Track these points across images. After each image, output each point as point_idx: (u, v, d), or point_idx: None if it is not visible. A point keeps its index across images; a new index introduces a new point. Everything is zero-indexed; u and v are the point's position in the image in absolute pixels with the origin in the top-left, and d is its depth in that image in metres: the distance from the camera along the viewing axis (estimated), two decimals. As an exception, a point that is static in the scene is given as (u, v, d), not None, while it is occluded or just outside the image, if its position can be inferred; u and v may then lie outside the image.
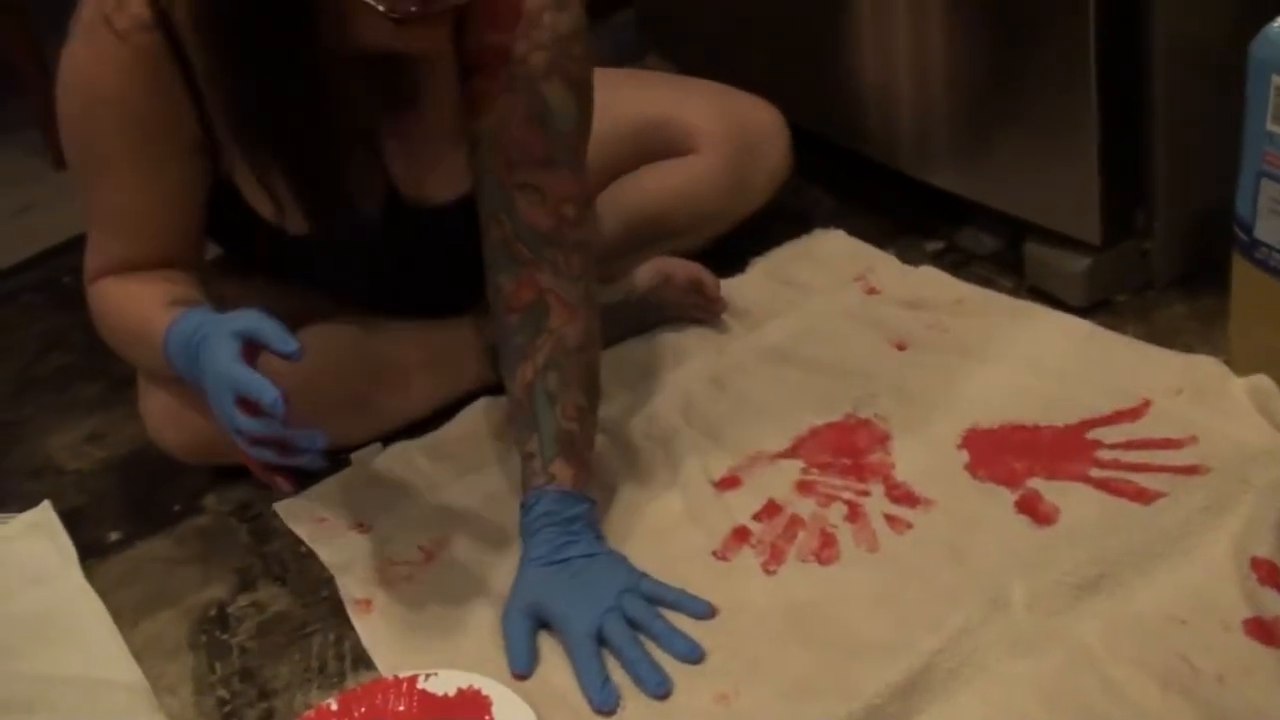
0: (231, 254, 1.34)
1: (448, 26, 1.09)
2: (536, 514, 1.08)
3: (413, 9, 0.99)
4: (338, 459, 1.28)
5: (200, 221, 1.21)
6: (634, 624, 1.02)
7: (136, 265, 1.19)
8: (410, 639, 1.08)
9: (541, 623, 1.05)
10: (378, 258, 1.27)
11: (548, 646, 1.04)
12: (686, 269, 1.38)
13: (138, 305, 1.16)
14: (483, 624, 1.07)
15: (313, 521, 1.23)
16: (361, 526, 1.21)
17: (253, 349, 1.01)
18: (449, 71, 1.17)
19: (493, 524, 1.18)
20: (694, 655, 1.00)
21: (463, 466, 1.26)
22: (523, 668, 1.02)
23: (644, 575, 1.06)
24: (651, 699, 0.97)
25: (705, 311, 1.39)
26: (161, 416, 1.27)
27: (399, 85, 1.17)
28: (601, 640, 1.01)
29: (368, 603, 1.12)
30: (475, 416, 1.32)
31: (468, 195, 1.21)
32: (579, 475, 1.10)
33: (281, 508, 1.25)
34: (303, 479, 1.18)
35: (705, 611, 1.04)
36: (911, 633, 0.96)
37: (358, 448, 1.30)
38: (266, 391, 0.96)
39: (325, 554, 1.19)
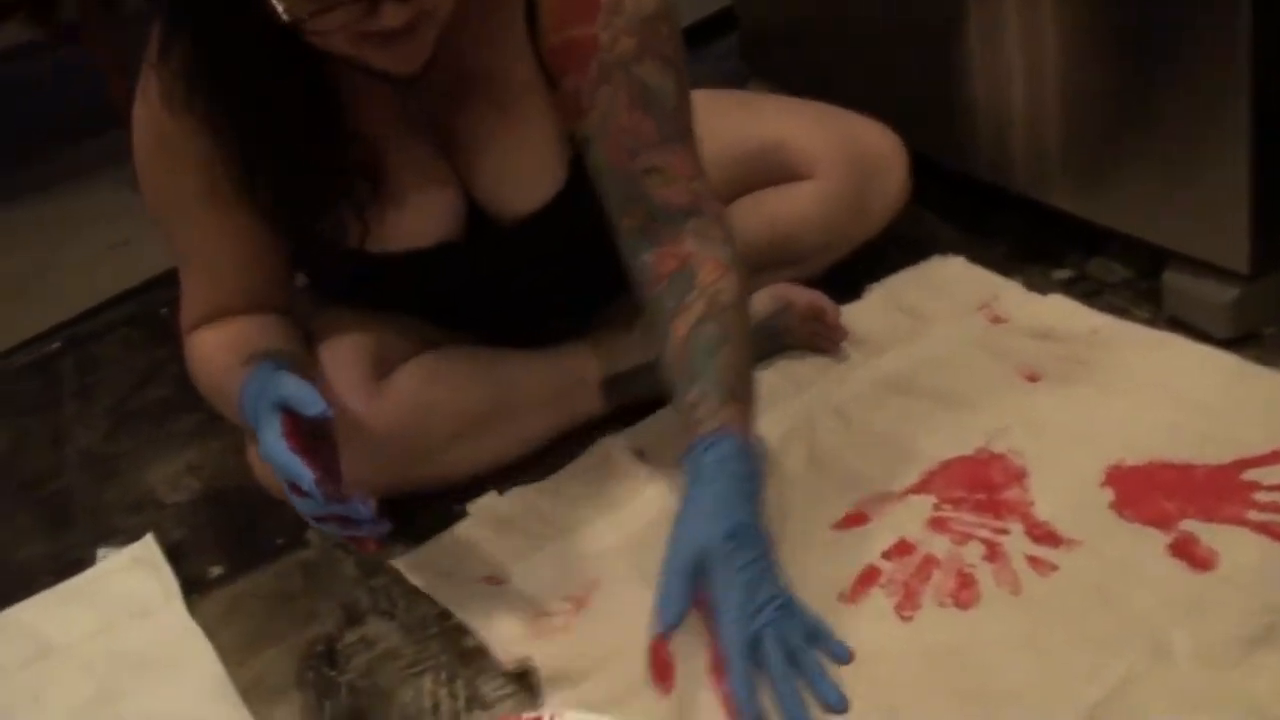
0: (327, 290, 1.32)
1: (413, 45, 1.01)
2: (709, 461, 0.99)
3: (305, 16, 0.95)
4: (451, 510, 1.24)
5: (284, 261, 1.21)
6: (788, 651, 0.94)
7: (225, 311, 1.19)
8: (567, 691, 1.02)
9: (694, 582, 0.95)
10: (465, 278, 1.24)
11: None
12: (806, 296, 1.33)
13: (221, 359, 1.16)
14: (635, 667, 1.00)
15: (439, 576, 1.18)
16: (494, 579, 1.16)
17: (296, 416, 1.01)
18: (510, 79, 1.14)
19: (640, 564, 1.11)
20: (841, 706, 0.93)
21: (593, 508, 1.20)
22: (674, 620, 0.94)
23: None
24: None
25: (825, 340, 1.34)
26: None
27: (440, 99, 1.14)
28: (753, 648, 0.93)
29: (525, 658, 1.05)
30: (597, 456, 1.27)
31: (549, 204, 1.18)
32: (747, 427, 1.02)
33: (403, 563, 1.20)
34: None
35: (845, 656, 0.98)
36: (1065, 683, 0.90)
37: (469, 486, 1.26)
38: (303, 477, 0.98)
39: (463, 611, 1.13)
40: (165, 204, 1.18)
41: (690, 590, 0.95)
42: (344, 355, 1.23)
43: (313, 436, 1.03)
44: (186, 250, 1.20)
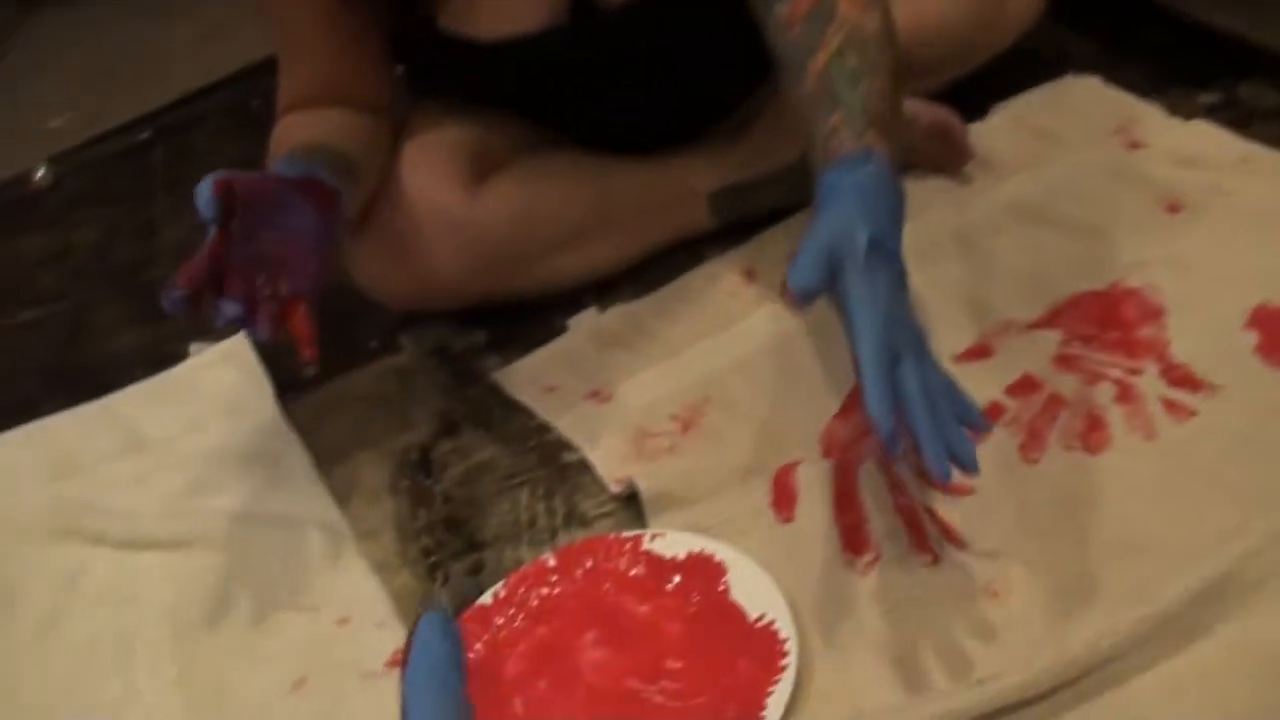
0: (426, 85, 1.27)
1: None
2: (851, 180, 0.85)
3: None
4: (552, 325, 1.21)
5: (379, 54, 1.16)
6: (926, 389, 0.80)
7: (311, 101, 1.15)
8: (674, 511, 0.99)
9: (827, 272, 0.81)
10: (569, 67, 1.18)
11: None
12: (932, 112, 1.25)
13: (275, 150, 1.11)
14: (747, 493, 0.98)
15: (541, 390, 1.15)
16: (598, 395, 1.13)
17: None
18: None
19: (748, 389, 1.08)
20: (974, 466, 0.79)
21: (700, 328, 1.16)
22: (808, 285, 0.80)
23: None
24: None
25: (949, 160, 1.26)
26: (372, 259, 1.20)
27: None
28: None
29: (628, 478, 1.03)
30: (704, 275, 1.23)
31: None
32: (896, 159, 0.89)
33: (502, 376, 1.17)
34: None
35: (982, 424, 0.83)
36: (1204, 535, 0.85)
37: (568, 300, 1.22)
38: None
39: (566, 426, 1.10)
40: None
41: (827, 274, 0.81)
42: (441, 153, 1.19)
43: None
44: (282, 35, 1.16)
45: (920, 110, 1.25)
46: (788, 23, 0.97)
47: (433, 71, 1.24)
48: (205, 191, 0.90)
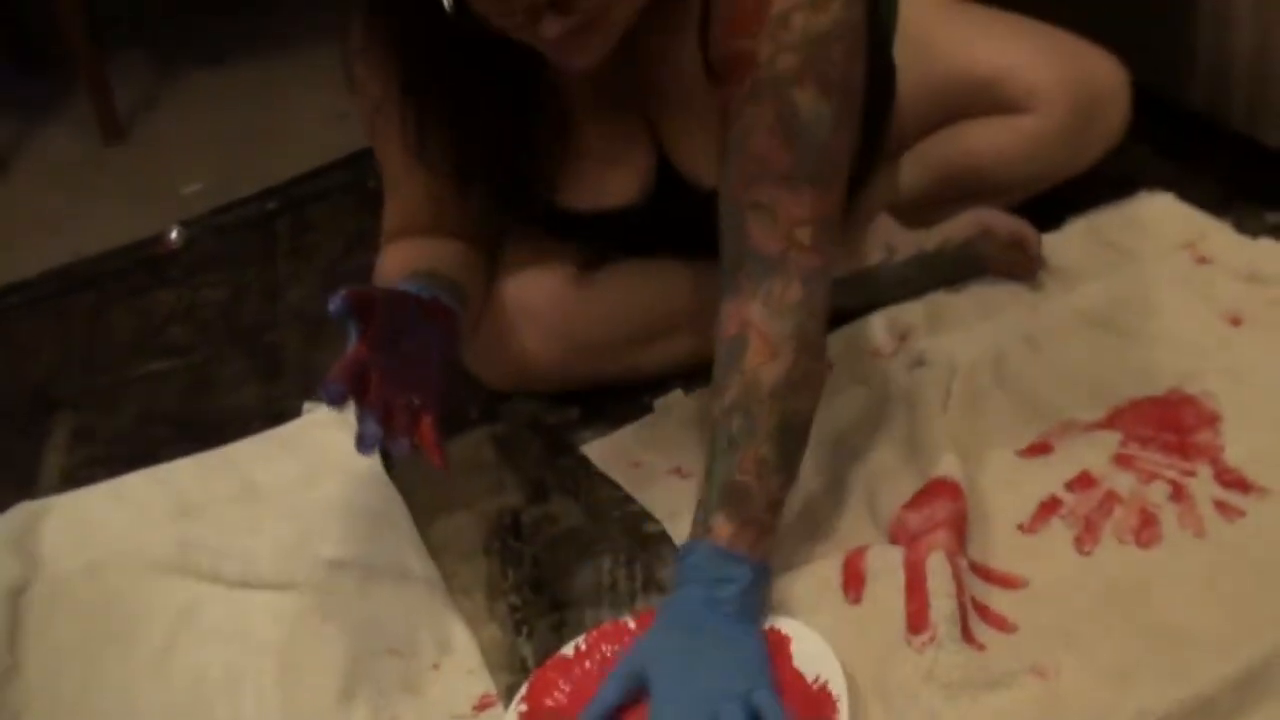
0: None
1: (582, 49, 1.00)
2: (685, 567, 0.97)
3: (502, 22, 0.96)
4: (640, 403, 1.28)
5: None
6: None
7: (421, 227, 1.22)
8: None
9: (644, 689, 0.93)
10: (653, 240, 1.26)
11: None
12: (1009, 224, 1.32)
13: (387, 273, 1.19)
14: (818, 573, 1.04)
15: (627, 464, 1.22)
16: (680, 471, 1.20)
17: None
18: (684, 59, 1.11)
19: (822, 472, 1.15)
20: None
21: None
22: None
23: (764, 683, 0.91)
24: None
25: (1022, 269, 1.33)
26: (476, 351, 1.29)
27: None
28: None
29: None
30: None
31: None
32: (741, 534, 0.96)
33: (591, 450, 1.25)
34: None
35: None
36: (1249, 625, 0.91)
37: (657, 382, 1.30)
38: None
39: (648, 499, 1.17)
40: (366, 124, 1.21)
41: (616, 703, 0.93)
42: (541, 254, 1.27)
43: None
44: (388, 170, 1.24)
45: (997, 222, 1.32)
46: (720, 333, 1.03)
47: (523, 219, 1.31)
48: (337, 302, 0.96)
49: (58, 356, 1.61)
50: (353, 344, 0.97)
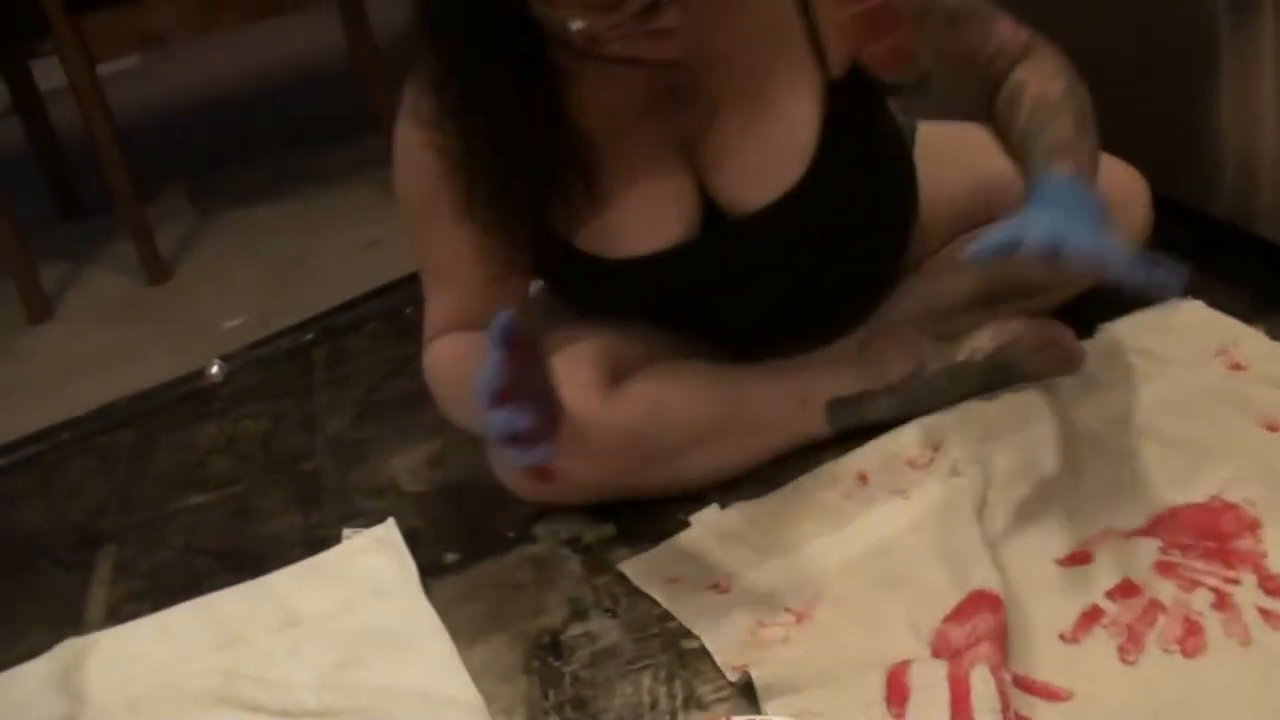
0: (564, 297, 1.38)
1: (679, 34, 1.09)
2: (1041, 191, 1.10)
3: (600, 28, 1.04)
4: (676, 519, 1.29)
5: (521, 281, 1.28)
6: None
7: (462, 325, 1.25)
8: (786, 698, 1.04)
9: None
10: (700, 279, 1.28)
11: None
12: (1037, 330, 1.33)
13: (450, 371, 1.23)
14: (861, 686, 1.03)
15: (665, 581, 1.22)
16: (719, 587, 1.20)
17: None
18: (769, 56, 1.19)
19: (862, 584, 1.15)
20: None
21: (815, 528, 1.23)
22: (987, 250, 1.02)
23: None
24: None
25: (1064, 365, 1.34)
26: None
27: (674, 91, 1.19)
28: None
29: (744, 666, 1.09)
30: (821, 477, 1.30)
31: (789, 192, 1.22)
32: (1080, 172, 1.12)
33: (629, 568, 1.25)
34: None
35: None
36: (1296, 736, 0.89)
37: (692, 496, 1.30)
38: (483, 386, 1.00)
39: (687, 615, 1.17)
40: (410, 213, 1.26)
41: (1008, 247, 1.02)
42: (578, 360, 1.28)
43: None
44: (428, 263, 1.28)
45: (1025, 330, 1.33)
46: (990, 102, 1.22)
47: (569, 283, 1.35)
48: (499, 327, 0.99)
49: (101, 493, 1.63)
50: (500, 361, 1.00)
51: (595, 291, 1.32)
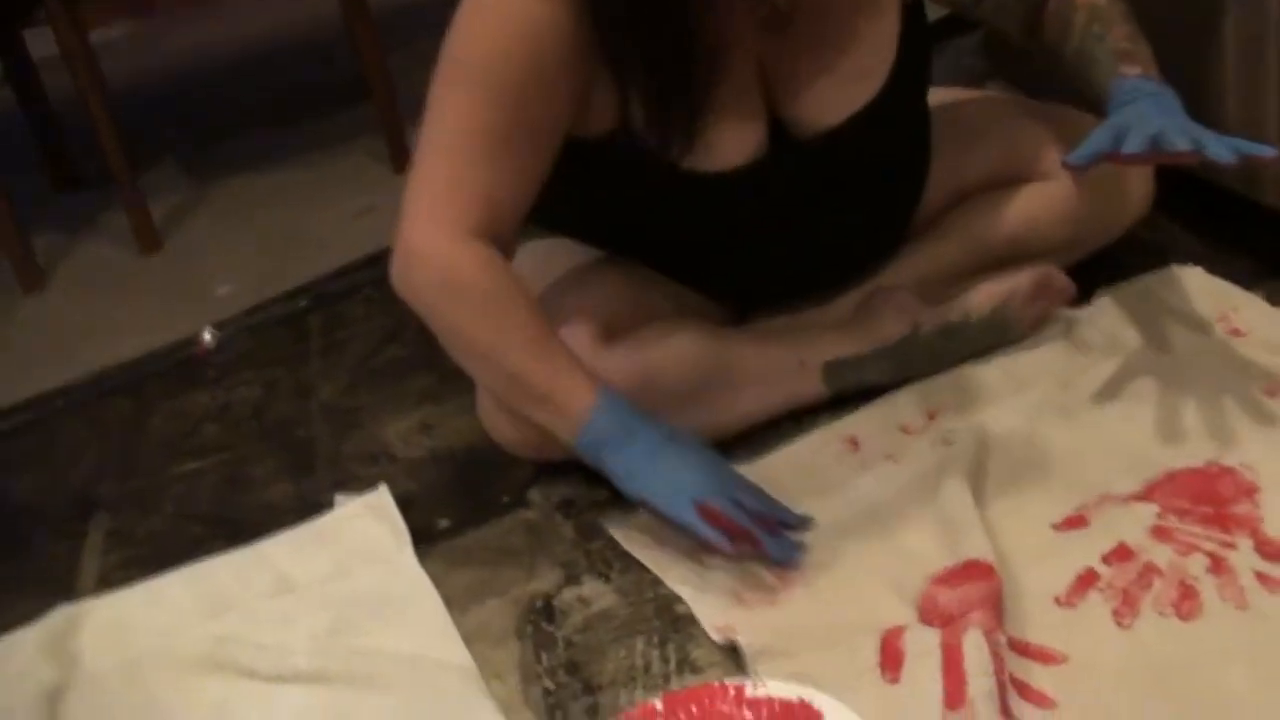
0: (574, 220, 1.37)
1: None
2: (1121, 92, 1.18)
3: None
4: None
5: (534, 194, 1.21)
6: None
7: (492, 213, 1.17)
8: (777, 661, 1.04)
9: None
10: (763, 202, 1.27)
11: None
12: (1029, 276, 1.34)
13: (514, 327, 1.18)
14: (854, 651, 1.03)
15: (651, 544, 1.21)
16: (706, 549, 1.17)
17: None
18: None
19: (848, 551, 1.14)
20: None
21: (804, 492, 1.22)
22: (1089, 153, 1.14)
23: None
24: None
25: (1054, 302, 1.36)
26: (498, 412, 1.30)
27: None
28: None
29: (730, 628, 1.09)
30: (811, 442, 1.30)
31: (858, 114, 1.24)
32: (1147, 71, 1.19)
33: (618, 531, 1.24)
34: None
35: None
36: (1292, 699, 0.88)
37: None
38: (723, 545, 1.11)
39: (672, 578, 1.17)
40: (480, 69, 1.15)
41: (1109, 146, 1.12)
42: (575, 315, 1.27)
43: None
44: (479, 128, 1.16)
45: (1019, 280, 1.33)
46: (1045, 15, 1.30)
47: (611, 192, 1.29)
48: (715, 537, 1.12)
49: (95, 460, 1.62)
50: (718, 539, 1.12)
51: (642, 205, 1.29)
